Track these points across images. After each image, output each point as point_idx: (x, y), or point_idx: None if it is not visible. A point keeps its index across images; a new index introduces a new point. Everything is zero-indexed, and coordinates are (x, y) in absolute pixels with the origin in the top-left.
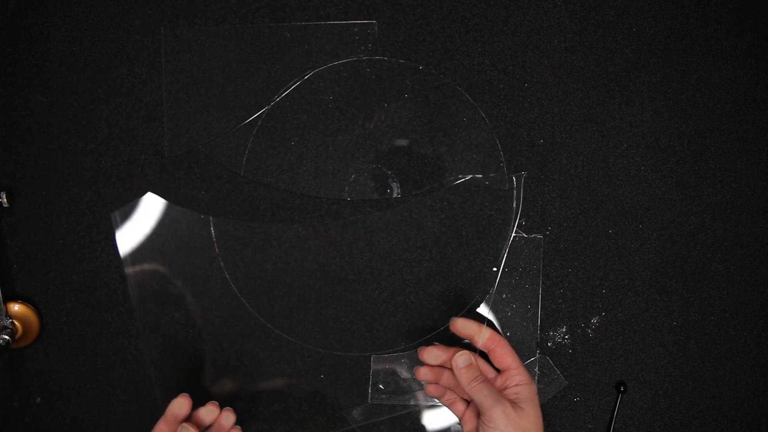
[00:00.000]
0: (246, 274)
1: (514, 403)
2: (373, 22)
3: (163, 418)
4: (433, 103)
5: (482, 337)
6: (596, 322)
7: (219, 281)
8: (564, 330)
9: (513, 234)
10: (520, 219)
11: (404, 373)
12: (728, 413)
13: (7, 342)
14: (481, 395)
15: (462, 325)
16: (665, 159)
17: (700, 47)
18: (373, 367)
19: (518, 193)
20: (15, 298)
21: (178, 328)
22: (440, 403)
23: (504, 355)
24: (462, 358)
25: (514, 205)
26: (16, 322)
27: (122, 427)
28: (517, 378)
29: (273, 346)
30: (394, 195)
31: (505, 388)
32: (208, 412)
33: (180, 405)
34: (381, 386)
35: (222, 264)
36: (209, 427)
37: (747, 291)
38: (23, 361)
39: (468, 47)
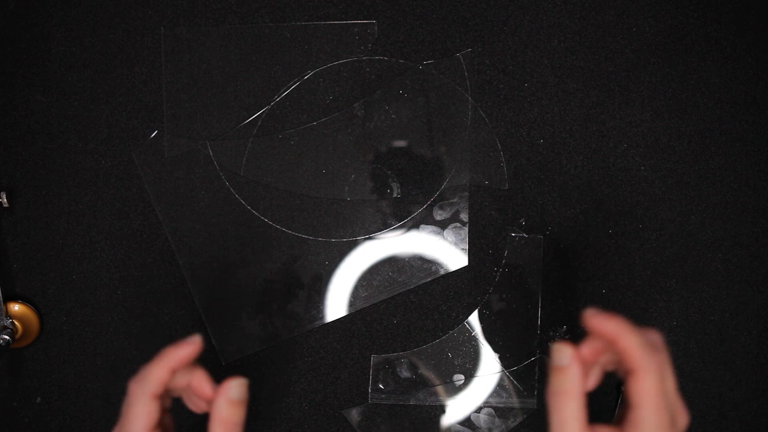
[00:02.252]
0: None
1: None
2: (373, 22)
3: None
4: (433, 104)
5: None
6: None
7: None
8: (564, 330)
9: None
10: (520, 219)
11: (404, 373)
12: (728, 413)
13: (7, 342)
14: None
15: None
16: (665, 159)
17: (700, 47)
18: (373, 367)
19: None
20: (15, 298)
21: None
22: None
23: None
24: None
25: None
26: (16, 322)
27: None
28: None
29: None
30: (394, 195)
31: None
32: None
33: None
34: (381, 386)
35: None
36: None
37: (747, 291)
38: (23, 361)
39: (468, 47)
